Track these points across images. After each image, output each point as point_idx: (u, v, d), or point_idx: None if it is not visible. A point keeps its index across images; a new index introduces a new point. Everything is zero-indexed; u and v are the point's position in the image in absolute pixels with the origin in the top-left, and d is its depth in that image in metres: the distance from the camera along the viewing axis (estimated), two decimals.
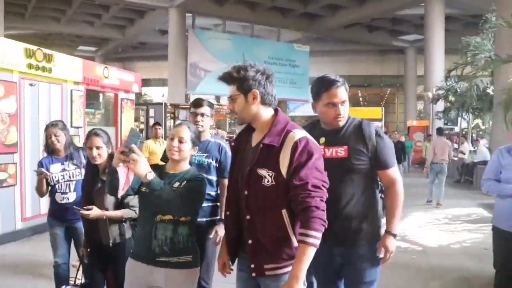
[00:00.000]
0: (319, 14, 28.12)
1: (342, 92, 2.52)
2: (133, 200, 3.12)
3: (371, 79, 39.09)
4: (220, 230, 3.37)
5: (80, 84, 8.12)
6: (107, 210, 3.17)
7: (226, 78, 2.26)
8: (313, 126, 2.71)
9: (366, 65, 37.75)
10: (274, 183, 2.12)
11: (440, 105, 19.66)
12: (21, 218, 6.89)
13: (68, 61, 7.84)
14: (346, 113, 2.56)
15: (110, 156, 3.22)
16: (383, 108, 26.69)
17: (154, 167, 2.61)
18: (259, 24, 28.86)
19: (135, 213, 3.10)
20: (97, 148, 3.26)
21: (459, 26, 27.73)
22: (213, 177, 3.51)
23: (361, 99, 40.80)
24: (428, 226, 8.27)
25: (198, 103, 3.59)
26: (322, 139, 2.56)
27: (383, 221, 2.68)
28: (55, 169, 4.06)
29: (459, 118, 20.17)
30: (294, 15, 28.11)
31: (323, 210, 2.06)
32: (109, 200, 3.17)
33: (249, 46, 26.98)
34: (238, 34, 29.35)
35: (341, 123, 2.57)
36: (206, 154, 3.49)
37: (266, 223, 2.16)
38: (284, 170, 2.11)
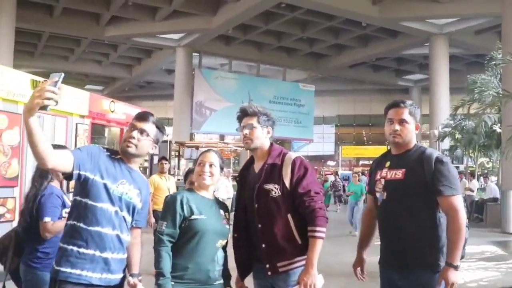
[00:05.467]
0: (324, 53, 28.44)
1: (402, 112, 2.71)
2: None
3: (376, 118, 38.95)
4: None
5: (86, 117, 8.04)
6: None
7: (249, 110, 2.76)
8: (386, 153, 3.00)
9: (370, 104, 37.91)
10: (280, 193, 2.62)
11: (446, 143, 19.57)
12: None
13: (75, 94, 7.80)
14: (404, 133, 2.70)
15: None
16: (388, 147, 26.51)
17: (188, 190, 2.77)
18: (265, 63, 29.18)
19: None
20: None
21: (463, 66, 27.98)
22: None
23: (365, 138, 40.76)
24: None
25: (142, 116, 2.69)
26: (388, 163, 2.80)
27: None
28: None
29: (465, 157, 20.04)
30: (299, 54, 28.45)
31: (324, 210, 2.61)
32: None
33: (255, 85, 27.12)
34: (244, 74, 29.59)
35: (397, 140, 2.73)
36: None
37: (275, 227, 2.60)
38: (287, 182, 2.63)
